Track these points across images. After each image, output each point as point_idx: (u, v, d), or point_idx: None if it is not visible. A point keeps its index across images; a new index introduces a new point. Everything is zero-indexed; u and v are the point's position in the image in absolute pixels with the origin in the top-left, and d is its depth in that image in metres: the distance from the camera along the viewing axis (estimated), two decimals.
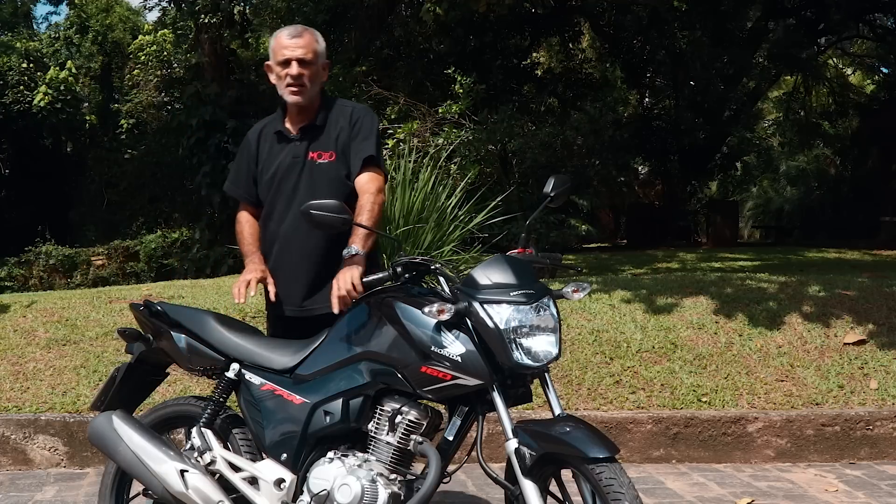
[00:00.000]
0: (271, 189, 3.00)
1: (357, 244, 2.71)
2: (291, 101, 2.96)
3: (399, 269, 2.56)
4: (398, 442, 2.51)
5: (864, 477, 4.13)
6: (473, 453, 2.46)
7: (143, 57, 18.62)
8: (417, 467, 2.57)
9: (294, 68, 2.90)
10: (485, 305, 2.37)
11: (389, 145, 8.08)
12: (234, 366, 2.82)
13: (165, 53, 18.33)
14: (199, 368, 2.91)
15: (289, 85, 2.92)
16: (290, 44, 2.92)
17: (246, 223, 3.11)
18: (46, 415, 4.35)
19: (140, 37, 19.32)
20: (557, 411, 2.40)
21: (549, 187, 2.78)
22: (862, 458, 4.39)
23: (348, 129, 2.95)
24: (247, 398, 2.79)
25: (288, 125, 3.03)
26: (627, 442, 4.33)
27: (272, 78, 3.01)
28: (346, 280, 2.60)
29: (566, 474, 2.40)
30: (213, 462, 2.75)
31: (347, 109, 3.02)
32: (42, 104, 18.19)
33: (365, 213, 2.81)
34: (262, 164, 3.03)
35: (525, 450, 2.32)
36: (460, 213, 6.03)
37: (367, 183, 2.89)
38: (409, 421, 2.50)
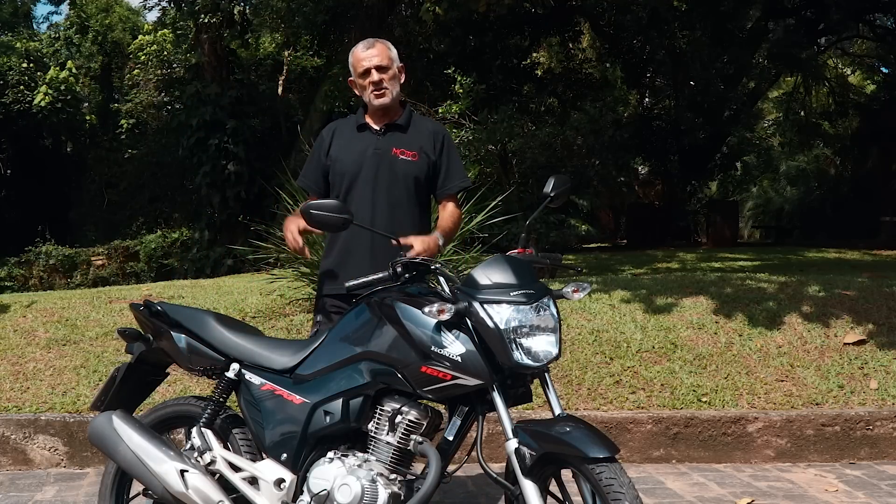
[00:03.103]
0: (347, 175, 3.16)
1: (444, 235, 3.04)
2: (378, 105, 3.16)
3: (399, 269, 2.56)
4: (398, 442, 2.51)
5: (864, 477, 4.13)
6: (473, 453, 2.46)
7: (143, 57, 18.61)
8: (417, 467, 2.57)
9: (374, 75, 3.13)
10: (485, 305, 2.37)
11: None
12: (234, 366, 2.82)
13: (165, 53, 18.32)
14: (199, 368, 2.91)
15: (373, 91, 3.14)
16: (365, 55, 3.15)
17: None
18: (46, 415, 4.35)
19: (140, 37, 19.30)
20: (557, 411, 2.40)
21: (549, 187, 2.79)
22: (862, 458, 4.39)
23: (431, 142, 3.20)
24: (247, 398, 2.79)
25: (369, 121, 3.22)
26: (627, 442, 4.33)
27: (356, 90, 3.24)
28: (427, 242, 2.85)
29: (566, 474, 2.40)
30: (213, 462, 2.76)
31: (427, 123, 3.34)
32: (42, 104, 18.18)
33: (448, 224, 3.18)
34: (336, 153, 3.21)
35: (525, 450, 2.32)
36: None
37: (453, 210, 3.24)
38: (409, 421, 2.50)
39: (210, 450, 2.77)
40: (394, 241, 2.72)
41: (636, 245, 17.66)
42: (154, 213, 19.02)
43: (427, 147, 3.17)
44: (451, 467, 2.54)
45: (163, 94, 19.26)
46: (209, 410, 2.85)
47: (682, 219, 20.03)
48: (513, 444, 2.34)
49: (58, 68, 19.01)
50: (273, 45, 19.20)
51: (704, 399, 4.53)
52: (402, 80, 3.23)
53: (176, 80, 17.92)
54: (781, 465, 4.34)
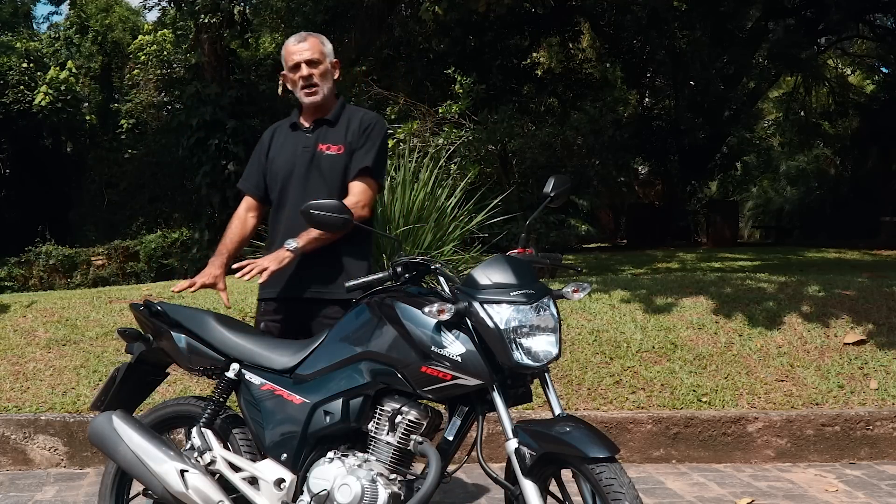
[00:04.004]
0: (280, 177, 3.12)
1: (300, 240, 2.80)
2: (308, 102, 3.11)
3: (399, 269, 2.57)
4: (398, 442, 2.51)
5: (864, 477, 4.13)
6: (473, 453, 2.45)
7: (143, 57, 18.60)
8: (417, 467, 2.57)
9: (304, 70, 3.07)
10: (485, 305, 2.37)
11: (389, 145, 8.08)
12: (234, 366, 2.82)
13: (165, 53, 18.31)
14: (199, 368, 2.90)
15: (303, 87, 3.08)
16: (296, 49, 3.09)
17: (236, 220, 3.24)
18: (46, 415, 4.35)
19: (140, 37, 19.29)
20: (557, 411, 2.40)
21: (549, 187, 2.79)
22: (862, 458, 4.39)
23: (358, 132, 3.09)
24: (247, 398, 2.79)
25: (302, 120, 3.18)
26: (627, 442, 4.33)
27: (289, 85, 3.18)
28: (269, 260, 2.82)
29: (566, 474, 2.40)
30: (213, 462, 2.75)
31: (360, 113, 3.18)
32: (42, 104, 18.17)
33: None
34: (273, 154, 3.18)
35: (525, 450, 2.32)
36: (460, 213, 6.03)
37: (355, 193, 3.03)
38: (409, 421, 2.50)
39: (210, 450, 2.77)
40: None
41: (636, 245, 17.65)
42: (154, 213, 19.00)
43: (353, 138, 3.07)
44: (451, 467, 2.54)
45: (163, 94, 19.25)
46: (209, 410, 2.85)
47: (682, 219, 20.03)
48: (513, 444, 2.34)
49: (58, 68, 18.99)
50: (273, 45, 19.18)
51: (704, 399, 4.53)
52: (337, 77, 3.15)
53: (176, 80, 17.91)
54: (781, 465, 4.35)
